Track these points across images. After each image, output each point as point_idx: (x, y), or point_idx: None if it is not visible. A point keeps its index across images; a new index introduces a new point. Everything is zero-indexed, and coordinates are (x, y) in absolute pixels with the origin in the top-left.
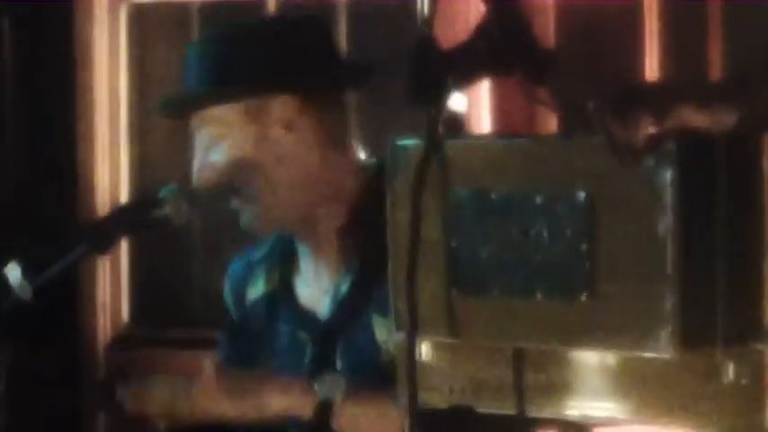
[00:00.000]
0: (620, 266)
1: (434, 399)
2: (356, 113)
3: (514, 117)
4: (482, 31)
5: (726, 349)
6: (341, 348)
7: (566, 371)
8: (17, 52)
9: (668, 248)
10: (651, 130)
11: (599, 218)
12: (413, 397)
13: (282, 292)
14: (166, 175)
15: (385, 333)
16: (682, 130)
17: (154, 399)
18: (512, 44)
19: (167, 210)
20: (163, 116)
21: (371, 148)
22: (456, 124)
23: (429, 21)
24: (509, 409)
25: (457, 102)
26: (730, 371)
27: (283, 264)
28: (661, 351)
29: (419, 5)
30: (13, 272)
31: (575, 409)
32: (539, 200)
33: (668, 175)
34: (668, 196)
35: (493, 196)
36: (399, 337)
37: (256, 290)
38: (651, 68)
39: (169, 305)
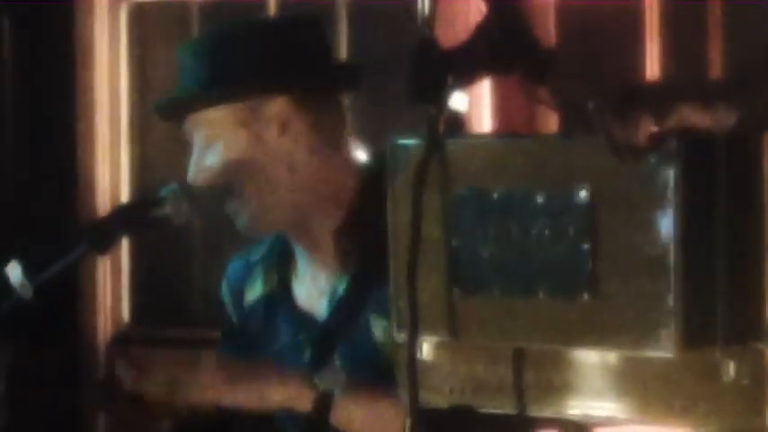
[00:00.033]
0: (621, 266)
1: (435, 398)
2: (356, 113)
3: (515, 116)
4: (482, 30)
5: (726, 349)
6: (339, 349)
7: (566, 370)
8: (17, 52)
9: (670, 248)
10: (652, 129)
11: (600, 217)
12: (414, 396)
13: (280, 294)
14: (167, 174)
15: (383, 333)
16: (682, 129)
17: (154, 379)
18: (512, 44)
19: (168, 209)
20: (159, 118)
21: (371, 147)
22: (456, 124)
23: (429, 21)
24: (509, 409)
25: (457, 101)
26: (731, 370)
27: (281, 265)
28: (663, 351)
29: (419, 5)
30: (14, 271)
31: (575, 408)
32: (540, 199)
33: (671, 174)
34: (671, 196)
35: (494, 196)
36: (400, 336)
37: (254, 291)
38: (651, 68)
39: (169, 305)
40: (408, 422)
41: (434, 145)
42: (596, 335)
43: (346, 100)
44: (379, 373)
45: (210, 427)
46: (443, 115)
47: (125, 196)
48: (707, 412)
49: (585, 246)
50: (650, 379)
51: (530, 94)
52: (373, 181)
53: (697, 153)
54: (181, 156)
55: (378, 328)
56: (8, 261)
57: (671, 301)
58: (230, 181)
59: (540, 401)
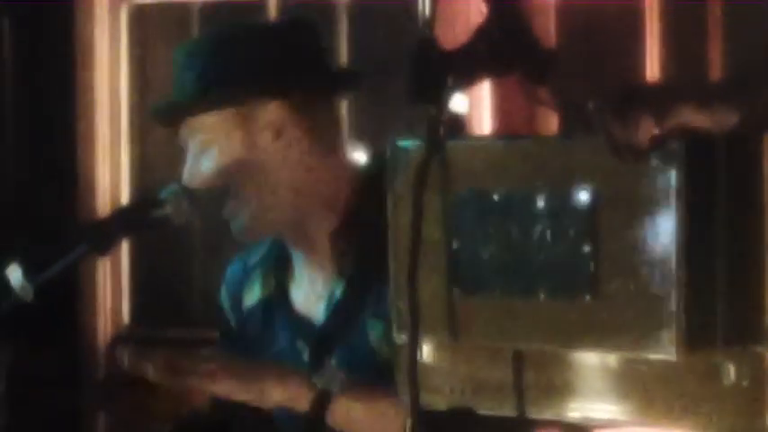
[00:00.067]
0: (622, 267)
1: (435, 399)
2: (356, 114)
3: (515, 118)
4: (483, 32)
5: (726, 351)
6: (336, 352)
7: (566, 372)
8: (17, 52)
9: (672, 249)
10: (652, 130)
11: (601, 218)
12: (415, 397)
13: (278, 298)
14: (167, 174)
15: (380, 336)
16: (682, 130)
17: (154, 363)
18: (512, 44)
19: (168, 210)
20: (155, 124)
21: (371, 148)
22: (457, 125)
23: (430, 21)
24: (510, 411)
25: (457, 103)
26: (731, 372)
27: (279, 269)
28: (664, 353)
29: (419, 6)
30: (15, 273)
31: (575, 410)
32: (540, 200)
33: (672, 175)
34: (672, 197)
35: (494, 197)
36: (400, 337)
37: (253, 295)
38: (652, 68)
39: (169, 305)
40: (409, 423)
41: (435, 146)
42: (597, 336)
43: (342, 103)
44: (376, 375)
45: (211, 427)
46: (444, 117)
47: (125, 196)
48: (707, 414)
49: (586, 247)
50: (650, 381)
51: (530, 95)
52: (369, 184)
53: (698, 154)
54: (181, 156)
55: (374, 331)
56: (8, 261)
57: (672, 302)
58: (225, 186)
59: (540, 403)
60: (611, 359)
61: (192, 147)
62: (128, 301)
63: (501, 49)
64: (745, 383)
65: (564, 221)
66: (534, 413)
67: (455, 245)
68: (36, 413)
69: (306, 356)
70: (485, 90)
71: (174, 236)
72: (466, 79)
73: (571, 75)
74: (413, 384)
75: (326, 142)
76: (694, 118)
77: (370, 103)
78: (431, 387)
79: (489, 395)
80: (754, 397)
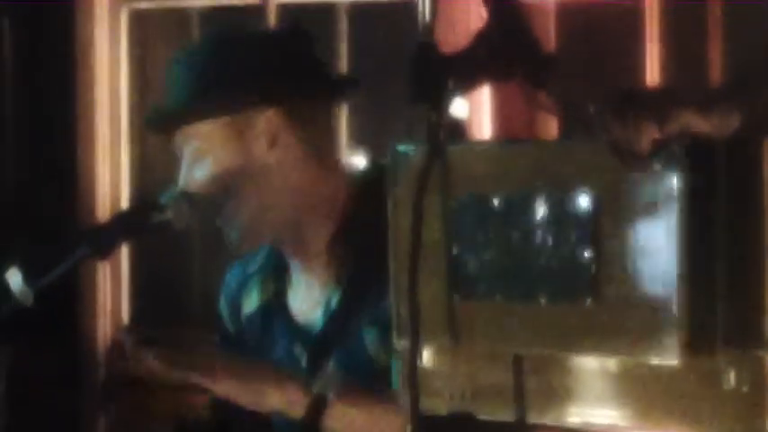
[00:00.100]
0: (624, 271)
1: (434, 404)
2: (357, 117)
3: (515, 122)
4: (483, 35)
5: (727, 355)
6: (334, 359)
7: (566, 377)
8: (17, 52)
9: (674, 253)
10: (654, 134)
11: (602, 222)
12: (415, 402)
13: (276, 305)
14: (167, 175)
15: (376, 344)
16: (683, 134)
17: (155, 352)
18: (512, 46)
19: (168, 214)
20: (149, 132)
21: (371, 150)
22: (457, 130)
23: (430, 25)
24: (509, 416)
25: (458, 107)
26: (731, 377)
27: (277, 276)
28: (667, 357)
29: (420, 10)
30: (15, 277)
31: (575, 415)
32: (541, 204)
33: (675, 179)
34: (675, 200)
35: (494, 201)
36: (400, 342)
37: (251, 302)
38: (652, 69)
39: (169, 308)
40: (409, 428)
41: (435, 151)
42: (598, 341)
43: (341, 107)
44: (373, 382)
45: (210, 429)
46: (444, 121)
47: (125, 196)
48: (707, 419)
49: (587, 251)
50: (650, 386)
51: (530, 99)
52: (365, 191)
53: (700, 158)
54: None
55: (370, 338)
56: (8, 262)
57: (674, 307)
58: (219, 195)
59: (540, 408)
60: (611, 364)
61: (187, 154)
62: (128, 304)
63: (501, 53)
64: (745, 388)
65: (565, 225)
66: (534, 418)
67: (455, 249)
68: (36, 415)
69: (304, 363)
70: (485, 94)
71: (173, 239)
72: (466, 83)
73: (571, 77)
74: (413, 389)
75: (322, 149)
76: (695, 122)
77: (370, 107)
78: (431, 392)
79: (489, 400)
80: (755, 401)
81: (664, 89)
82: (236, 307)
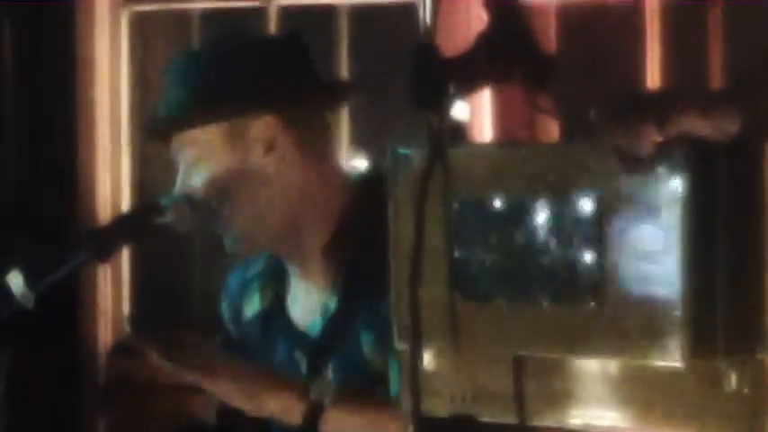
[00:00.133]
0: (627, 274)
1: (435, 406)
2: (357, 120)
3: (516, 125)
4: (484, 38)
5: (728, 358)
6: (332, 366)
7: (567, 379)
8: (17, 52)
9: (678, 256)
10: (655, 138)
11: (605, 225)
12: (416, 405)
13: (276, 310)
14: (168, 176)
15: (373, 348)
16: (684, 137)
17: (156, 347)
18: (513, 48)
19: (169, 217)
20: (146, 139)
21: (372, 153)
22: (458, 132)
23: (431, 29)
24: (511, 418)
25: (459, 110)
26: (732, 379)
27: (277, 281)
28: (671, 360)
29: (421, 13)
30: (16, 280)
31: (577, 417)
32: (543, 207)
33: (679, 182)
34: (678, 204)
35: (496, 204)
36: (401, 345)
37: (252, 306)
38: (652, 70)
39: (170, 311)
40: (410, 431)
41: (437, 154)
42: (602, 344)
43: (342, 110)
44: (369, 388)
45: None
46: (445, 124)
47: (126, 196)
48: (709, 421)
49: (590, 254)
50: (652, 388)
51: (531, 101)
52: (362, 196)
53: (702, 162)
54: None
55: (368, 344)
56: (8, 262)
57: (678, 309)
58: (216, 201)
59: (541, 411)
60: (612, 366)
61: (184, 161)
62: (128, 306)
63: (502, 55)
64: (746, 390)
65: (567, 228)
66: (535, 420)
67: (456, 252)
68: (36, 417)
69: (303, 370)
70: (485, 97)
71: (174, 242)
72: (467, 86)
73: (572, 80)
74: (414, 391)
75: (319, 155)
76: (696, 125)
77: (371, 110)
78: (432, 394)
79: (491, 402)
80: (756, 404)
81: (664, 92)
82: (237, 310)
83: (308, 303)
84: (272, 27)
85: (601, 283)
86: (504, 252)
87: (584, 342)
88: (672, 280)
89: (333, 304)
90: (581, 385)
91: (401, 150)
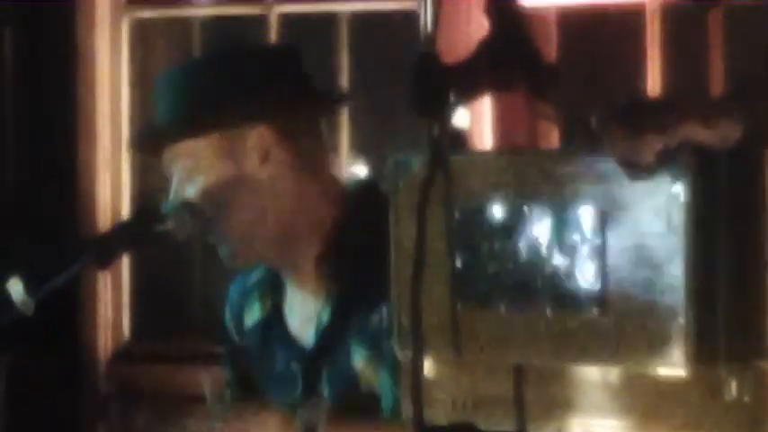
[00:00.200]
0: (630, 282)
1: (436, 414)
2: (357, 126)
3: (517, 132)
4: (485, 45)
5: (729, 366)
6: (325, 377)
7: (568, 387)
8: (17, 52)
9: (682, 263)
10: (657, 145)
11: (608, 232)
12: (418, 414)
13: (275, 320)
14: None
15: (362, 361)
16: (687, 144)
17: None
18: (514, 55)
19: (170, 225)
20: (135, 152)
21: (372, 159)
22: (459, 140)
23: (432, 35)
24: (511, 427)
25: (459, 117)
26: (733, 388)
27: (275, 290)
28: (674, 367)
29: (422, 20)
30: (16, 287)
31: (577, 426)
32: (545, 214)
33: (681, 189)
34: (681, 211)
35: (497, 211)
36: (403, 354)
37: (252, 315)
38: (653, 75)
39: (170, 319)
40: None
41: (437, 161)
42: (604, 351)
43: (329, 123)
44: (358, 400)
45: None
46: (446, 131)
47: (126, 196)
48: (709, 429)
49: (592, 261)
50: (652, 396)
51: (532, 108)
52: (355, 207)
53: (704, 169)
54: None
55: (357, 356)
56: (8, 263)
57: (682, 317)
58: (210, 213)
59: (542, 419)
60: (614, 374)
61: (177, 173)
62: (129, 315)
63: (503, 62)
64: (746, 399)
65: (569, 235)
66: (536, 429)
67: (458, 260)
68: (36, 423)
69: (299, 381)
70: (486, 104)
71: (174, 249)
72: (468, 93)
73: (573, 86)
74: (416, 399)
75: (313, 164)
76: (697, 132)
77: (371, 117)
78: (432, 402)
79: (492, 411)
80: (756, 412)
81: (665, 100)
82: (239, 318)
83: (304, 314)
84: (273, 34)
85: (603, 290)
86: (506, 259)
87: (585, 350)
88: (674, 287)
89: (326, 316)
90: (581, 393)
91: (402, 157)
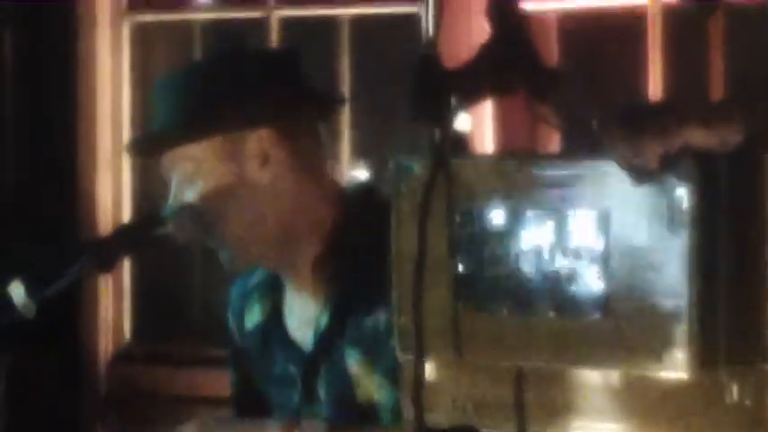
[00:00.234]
0: (633, 285)
1: (437, 417)
2: (358, 130)
3: (518, 135)
4: (486, 49)
5: (730, 369)
6: (322, 381)
7: (569, 391)
8: (17, 53)
9: (685, 267)
10: (658, 150)
11: (611, 236)
12: (420, 418)
13: (274, 323)
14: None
15: (357, 366)
16: (686, 148)
17: None
18: (515, 59)
19: (170, 228)
20: (134, 156)
21: (373, 162)
22: (460, 143)
23: (433, 39)
24: (512, 429)
25: (460, 120)
26: (734, 391)
27: (275, 293)
28: (677, 371)
29: (423, 24)
30: (17, 290)
31: (578, 429)
32: (547, 218)
33: (685, 194)
34: (685, 215)
35: (499, 215)
36: (404, 357)
37: (253, 318)
38: (654, 78)
39: (171, 323)
40: None
41: (439, 164)
42: (607, 355)
43: (328, 126)
44: (353, 405)
45: None
46: (447, 134)
47: (126, 197)
48: None
49: (594, 265)
50: (653, 399)
51: (533, 112)
52: (354, 211)
53: (707, 173)
54: None
55: (352, 360)
56: (8, 263)
57: (685, 321)
58: (210, 217)
59: (543, 422)
60: (615, 378)
61: (176, 177)
62: (129, 318)
63: (504, 66)
64: (748, 402)
65: (571, 239)
66: (536, 431)
67: (459, 263)
68: (37, 426)
69: (298, 385)
70: (487, 108)
71: (175, 252)
72: (469, 97)
73: (573, 90)
74: (417, 404)
75: (313, 167)
76: (699, 136)
77: (372, 120)
78: (433, 405)
79: (493, 413)
80: (757, 415)
81: (666, 103)
82: (240, 321)
83: (303, 316)
84: (274, 38)
85: (605, 293)
86: (507, 262)
87: (587, 353)
88: (677, 290)
89: (324, 319)
90: (582, 396)
91: (403, 161)
